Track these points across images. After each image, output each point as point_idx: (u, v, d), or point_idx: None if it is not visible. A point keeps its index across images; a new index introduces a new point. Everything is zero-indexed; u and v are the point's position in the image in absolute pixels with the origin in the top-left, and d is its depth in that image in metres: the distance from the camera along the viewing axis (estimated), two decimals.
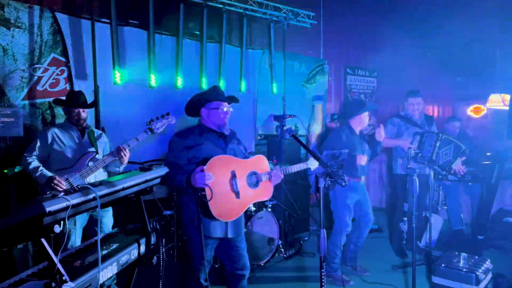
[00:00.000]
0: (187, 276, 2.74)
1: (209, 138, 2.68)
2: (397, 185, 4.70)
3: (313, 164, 3.15)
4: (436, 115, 9.36)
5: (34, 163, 3.06)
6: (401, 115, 4.69)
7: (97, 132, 3.46)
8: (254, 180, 2.77)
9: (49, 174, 3.01)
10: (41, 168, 3.04)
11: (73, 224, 3.12)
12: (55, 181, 2.93)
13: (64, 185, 2.95)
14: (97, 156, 3.23)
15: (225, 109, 2.70)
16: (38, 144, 3.13)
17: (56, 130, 3.22)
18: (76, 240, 3.15)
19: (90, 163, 3.15)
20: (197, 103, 2.75)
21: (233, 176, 2.63)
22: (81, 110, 3.27)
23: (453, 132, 5.50)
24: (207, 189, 2.45)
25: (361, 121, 3.98)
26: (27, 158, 3.08)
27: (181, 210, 2.73)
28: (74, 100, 3.28)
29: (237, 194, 2.64)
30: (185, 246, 2.77)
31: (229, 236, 2.69)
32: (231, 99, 2.77)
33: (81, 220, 3.21)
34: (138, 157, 4.46)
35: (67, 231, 1.49)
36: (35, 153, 3.11)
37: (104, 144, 3.43)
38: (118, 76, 4.30)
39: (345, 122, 4.09)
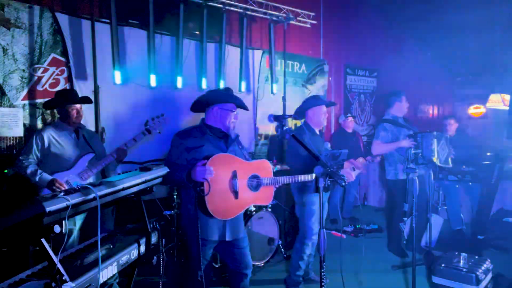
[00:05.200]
0: (186, 273, 2.74)
1: (210, 139, 2.68)
2: (399, 191, 4.46)
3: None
4: (436, 115, 9.36)
5: (32, 166, 2.99)
6: (389, 119, 4.54)
7: (89, 132, 3.43)
8: (255, 183, 2.76)
9: (49, 177, 2.96)
10: (39, 171, 2.98)
11: (73, 224, 3.11)
12: (57, 184, 2.91)
13: (65, 188, 2.94)
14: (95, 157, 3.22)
15: (235, 113, 2.77)
16: (35, 146, 3.06)
17: (51, 131, 3.14)
18: (75, 240, 3.15)
19: (90, 165, 3.14)
20: (211, 100, 2.74)
21: (234, 176, 2.63)
22: (78, 107, 3.22)
23: (448, 130, 5.49)
24: (205, 183, 2.46)
25: (318, 118, 3.56)
26: (23, 162, 3.01)
27: (181, 207, 2.75)
28: (71, 96, 3.23)
29: (235, 194, 2.64)
30: (185, 244, 2.78)
31: (227, 239, 2.69)
32: (244, 107, 2.84)
33: (80, 220, 3.21)
34: (137, 156, 4.46)
35: (66, 231, 1.49)
36: (31, 156, 3.04)
37: (98, 143, 3.41)
38: (118, 76, 4.31)
39: (304, 123, 3.67)
